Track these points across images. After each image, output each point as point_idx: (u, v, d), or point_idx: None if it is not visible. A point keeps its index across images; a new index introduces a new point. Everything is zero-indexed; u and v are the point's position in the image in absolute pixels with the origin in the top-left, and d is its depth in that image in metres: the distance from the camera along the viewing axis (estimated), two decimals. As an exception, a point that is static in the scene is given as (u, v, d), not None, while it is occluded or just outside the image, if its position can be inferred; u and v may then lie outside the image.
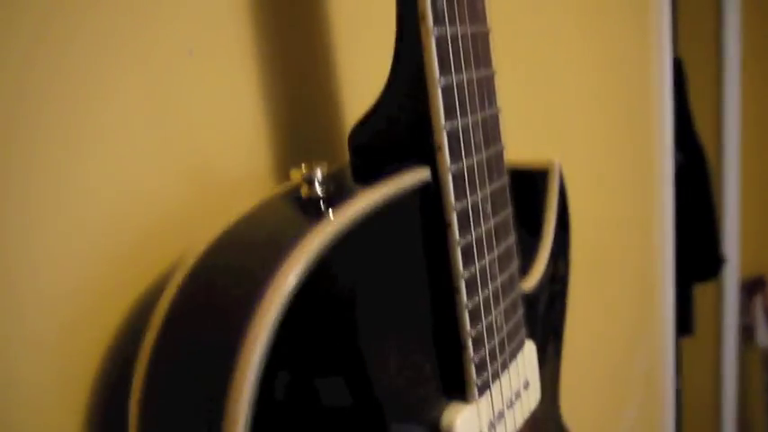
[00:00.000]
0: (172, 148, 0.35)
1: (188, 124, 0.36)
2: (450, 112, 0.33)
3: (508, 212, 0.38)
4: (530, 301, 0.44)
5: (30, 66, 0.29)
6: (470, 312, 0.35)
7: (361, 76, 0.44)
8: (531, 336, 0.43)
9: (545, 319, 0.48)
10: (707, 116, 1.52)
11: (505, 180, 0.38)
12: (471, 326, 0.35)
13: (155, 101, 0.34)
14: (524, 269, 0.46)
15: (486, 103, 0.36)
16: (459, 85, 0.34)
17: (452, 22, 0.33)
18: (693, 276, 1.49)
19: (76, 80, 0.30)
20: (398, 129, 0.34)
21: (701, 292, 1.52)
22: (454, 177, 0.33)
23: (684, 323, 1.46)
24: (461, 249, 0.34)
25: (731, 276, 1.61)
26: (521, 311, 0.40)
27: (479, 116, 0.35)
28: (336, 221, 0.28)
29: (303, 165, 0.31)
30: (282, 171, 0.40)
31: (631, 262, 1.14)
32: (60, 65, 0.30)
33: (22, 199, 0.28)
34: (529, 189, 0.48)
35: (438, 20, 0.32)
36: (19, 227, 0.28)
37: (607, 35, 0.92)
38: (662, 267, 1.28)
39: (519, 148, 0.65)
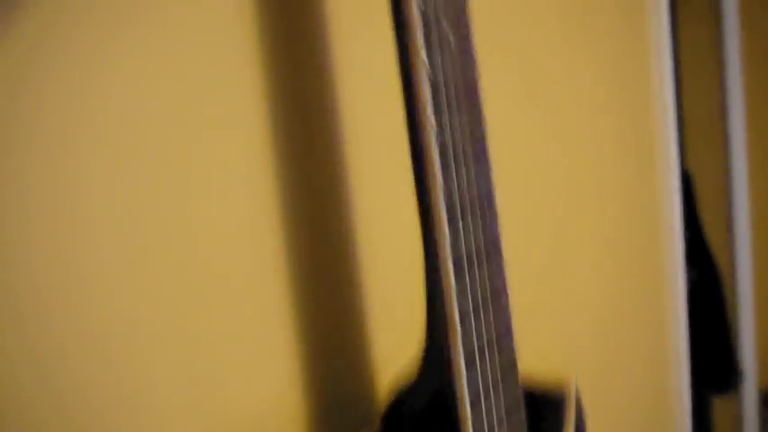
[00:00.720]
0: (208, 405, 0.38)
1: (220, 379, 0.39)
2: (474, 404, 0.36)
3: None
4: None
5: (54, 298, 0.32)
6: None
7: (391, 321, 0.48)
8: None
9: None
10: (718, 230, 1.55)
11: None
12: None
13: (187, 348, 0.37)
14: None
15: (509, 381, 0.39)
16: (484, 373, 0.37)
17: (479, 330, 0.37)
18: (710, 391, 1.49)
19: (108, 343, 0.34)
20: (428, 411, 0.38)
21: (719, 407, 1.52)
22: (479, 465, 0.36)
23: (703, 439, 1.45)
24: None
25: (749, 389, 1.61)
26: None
27: (501, 396, 0.38)
28: None
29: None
30: (314, 420, 0.43)
31: (646, 380, 1.15)
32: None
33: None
34: (544, 414, 0.50)
35: (466, 334, 0.36)
36: None
37: (612, 144, 0.93)
38: (677, 384, 1.28)
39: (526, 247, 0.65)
